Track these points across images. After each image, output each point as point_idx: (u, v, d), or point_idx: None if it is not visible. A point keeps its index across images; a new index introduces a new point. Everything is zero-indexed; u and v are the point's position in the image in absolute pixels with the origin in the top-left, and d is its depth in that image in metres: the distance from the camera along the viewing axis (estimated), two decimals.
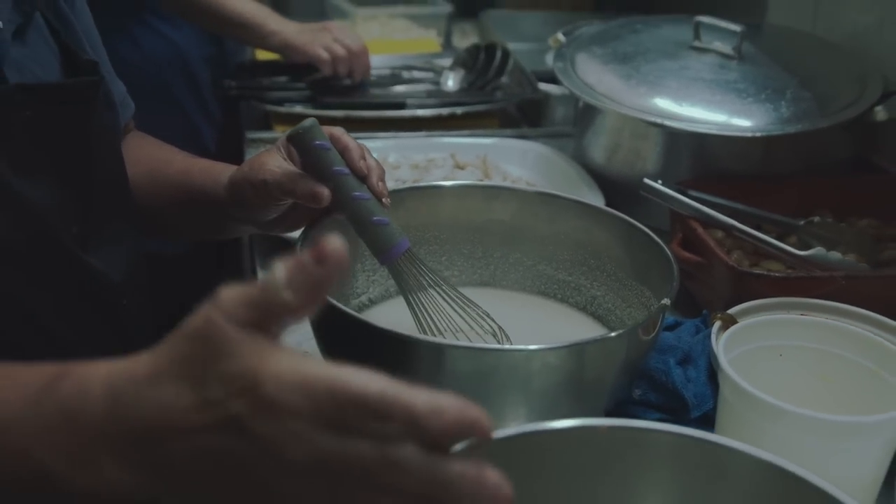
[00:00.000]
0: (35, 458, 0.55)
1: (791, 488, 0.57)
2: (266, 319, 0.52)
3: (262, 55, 1.93)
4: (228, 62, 1.96)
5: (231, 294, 0.52)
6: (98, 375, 0.55)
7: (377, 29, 2.30)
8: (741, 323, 0.87)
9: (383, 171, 0.95)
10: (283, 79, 1.75)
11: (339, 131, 0.94)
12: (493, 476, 0.50)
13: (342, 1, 2.33)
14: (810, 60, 1.45)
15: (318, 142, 0.91)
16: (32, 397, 0.56)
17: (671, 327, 1.08)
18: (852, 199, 1.32)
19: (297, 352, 0.52)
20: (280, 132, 1.64)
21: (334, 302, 0.82)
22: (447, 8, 2.36)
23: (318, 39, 1.71)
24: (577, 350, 0.80)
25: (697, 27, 1.46)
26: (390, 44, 2.17)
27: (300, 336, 1.03)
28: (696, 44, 1.46)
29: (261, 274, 1.24)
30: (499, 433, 0.60)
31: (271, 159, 0.94)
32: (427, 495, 0.49)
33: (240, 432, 0.50)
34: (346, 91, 1.74)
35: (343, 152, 0.93)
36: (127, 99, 1.09)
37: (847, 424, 0.76)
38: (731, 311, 0.96)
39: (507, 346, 0.81)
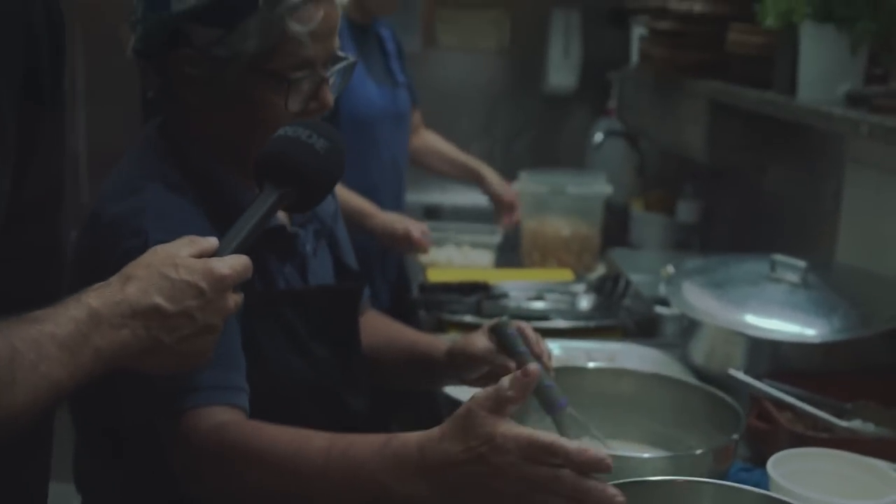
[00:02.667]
0: (379, 480, 1.07)
1: None
2: (500, 406, 1.04)
3: (433, 276, 2.51)
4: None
5: (482, 393, 1.05)
6: (411, 437, 1.08)
7: None
8: (784, 451, 1.32)
9: (551, 353, 1.46)
10: (455, 295, 2.30)
11: (523, 324, 1.45)
12: (613, 489, 1.00)
13: None
14: (860, 288, 1.93)
15: (510, 331, 1.42)
16: (376, 450, 1.08)
17: (749, 470, 1.53)
18: (893, 393, 1.75)
19: (514, 423, 1.04)
20: (453, 334, 2.16)
21: None
22: None
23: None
24: (675, 459, 1.26)
25: (773, 263, 1.96)
26: (532, 273, 2.72)
27: None
28: (772, 275, 1.95)
29: None
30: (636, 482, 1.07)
31: (479, 339, 1.46)
32: (576, 498, 1.00)
33: (485, 462, 1.03)
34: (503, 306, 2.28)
35: (525, 339, 1.44)
36: (367, 298, 1.65)
37: None
38: (786, 451, 1.40)
39: (632, 454, 1.27)
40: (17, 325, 0.92)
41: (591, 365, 1.61)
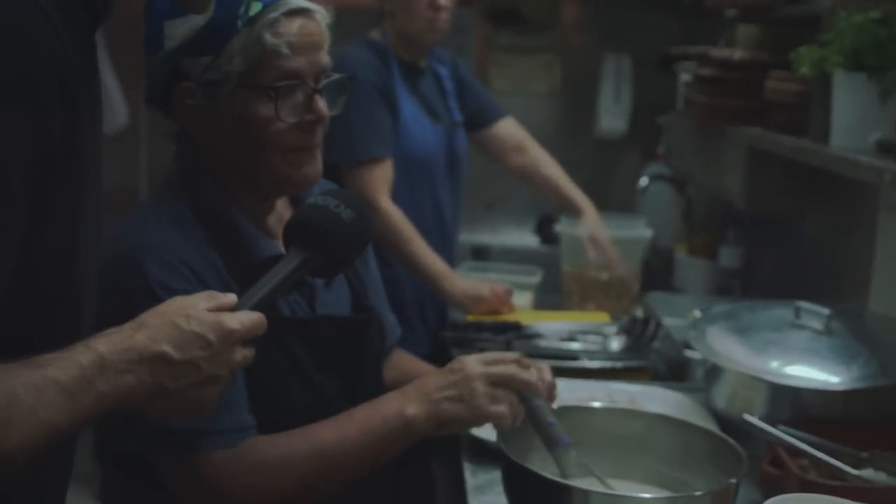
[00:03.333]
0: (383, 412, 1.38)
1: None
2: None
3: (471, 315, 2.54)
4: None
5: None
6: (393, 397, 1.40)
7: None
8: (779, 497, 1.32)
9: (556, 390, 1.48)
10: (487, 333, 2.33)
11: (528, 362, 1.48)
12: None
13: None
14: (884, 336, 1.91)
15: (537, 402, 1.44)
16: (376, 399, 1.39)
17: None
18: None
19: None
20: None
21: (519, 462, 1.33)
22: None
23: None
24: (673, 501, 1.28)
25: (798, 310, 1.95)
26: (568, 314, 2.74)
27: None
28: (796, 322, 1.95)
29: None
30: None
31: None
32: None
33: (456, 371, 1.40)
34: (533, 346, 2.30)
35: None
36: (396, 327, 1.68)
37: None
38: (781, 497, 1.40)
39: (630, 493, 1.29)
40: (22, 369, 0.97)
41: (595, 404, 1.62)
